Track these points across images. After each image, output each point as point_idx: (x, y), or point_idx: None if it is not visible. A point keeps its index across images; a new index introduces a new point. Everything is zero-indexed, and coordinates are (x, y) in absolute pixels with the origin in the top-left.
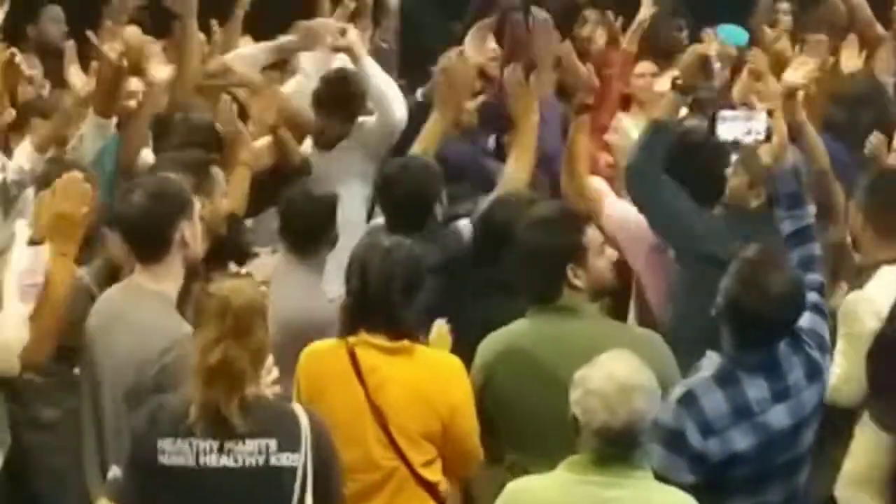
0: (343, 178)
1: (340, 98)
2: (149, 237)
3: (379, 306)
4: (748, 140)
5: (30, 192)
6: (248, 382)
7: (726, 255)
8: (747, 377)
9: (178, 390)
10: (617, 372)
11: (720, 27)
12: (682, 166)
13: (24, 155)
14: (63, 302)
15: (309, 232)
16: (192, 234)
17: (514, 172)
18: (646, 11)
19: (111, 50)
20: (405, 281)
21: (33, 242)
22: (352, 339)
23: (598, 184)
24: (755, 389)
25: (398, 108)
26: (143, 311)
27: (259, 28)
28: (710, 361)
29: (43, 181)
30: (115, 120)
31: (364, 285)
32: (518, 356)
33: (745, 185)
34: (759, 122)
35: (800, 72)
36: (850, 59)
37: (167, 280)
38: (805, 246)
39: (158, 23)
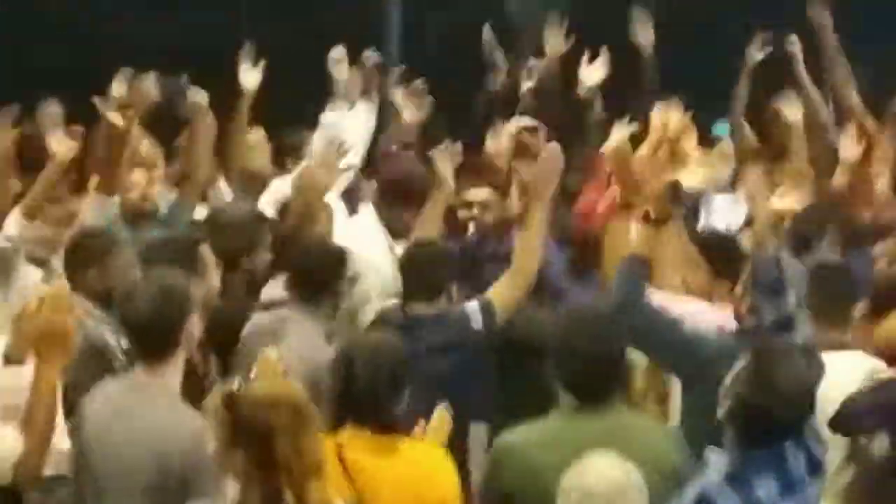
0: None
1: None
2: (159, 339)
3: (366, 401)
4: (730, 227)
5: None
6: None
7: None
8: (756, 476)
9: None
10: (611, 473)
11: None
12: None
13: (13, 221)
14: (53, 416)
15: (314, 283)
16: (196, 328)
17: (519, 266)
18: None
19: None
20: (392, 376)
21: (9, 361)
22: (339, 438)
23: None
24: (764, 488)
25: None
26: (155, 408)
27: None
28: (718, 459)
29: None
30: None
31: (351, 380)
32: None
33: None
34: (740, 209)
35: (787, 200)
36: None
37: (171, 375)
38: (786, 335)
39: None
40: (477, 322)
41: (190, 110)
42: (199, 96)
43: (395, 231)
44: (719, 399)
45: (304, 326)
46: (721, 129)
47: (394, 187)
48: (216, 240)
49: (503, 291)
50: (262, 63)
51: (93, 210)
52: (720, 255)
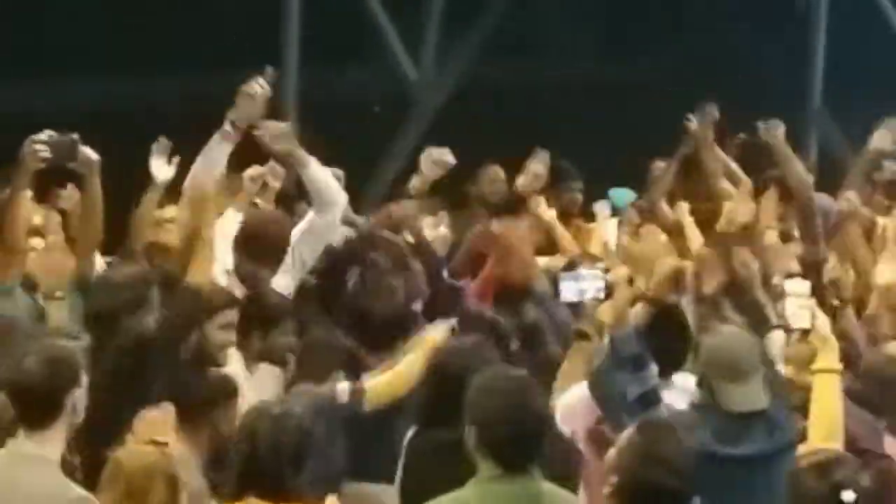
0: None
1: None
2: (41, 404)
3: (268, 473)
4: (587, 298)
5: None
6: None
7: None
8: None
9: None
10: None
11: (612, 190)
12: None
13: None
14: None
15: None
16: (81, 401)
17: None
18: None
19: None
20: (295, 449)
21: None
22: None
23: None
24: None
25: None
26: (33, 478)
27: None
28: None
29: None
30: None
31: (253, 451)
32: None
33: None
34: (597, 281)
35: None
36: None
37: (52, 444)
38: (651, 409)
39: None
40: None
41: (83, 166)
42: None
43: None
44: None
45: None
46: (619, 197)
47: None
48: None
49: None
50: (175, 159)
51: None
52: None
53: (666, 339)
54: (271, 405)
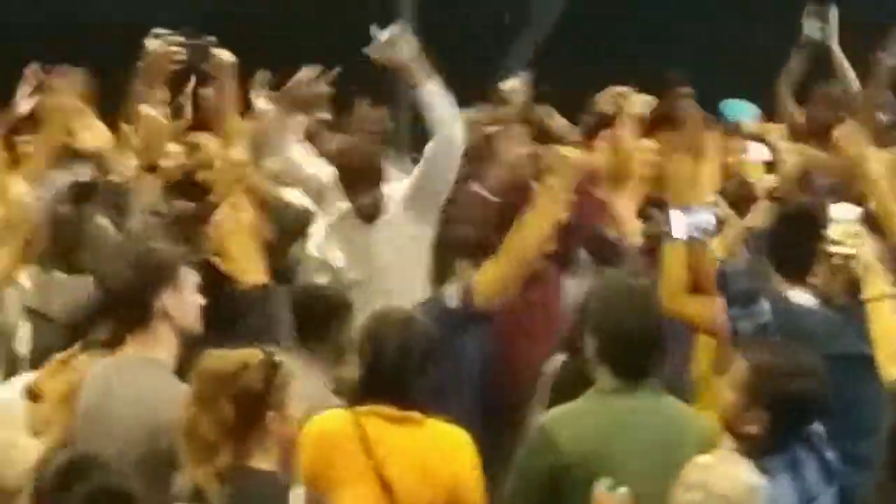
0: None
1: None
2: (129, 307)
3: (393, 377)
4: (699, 235)
5: None
6: (221, 453)
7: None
8: (771, 481)
9: None
10: (741, 475)
11: (724, 103)
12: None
13: None
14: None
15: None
16: (178, 306)
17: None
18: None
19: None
20: (421, 353)
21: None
22: (358, 410)
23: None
24: (785, 497)
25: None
26: (142, 381)
27: None
28: None
29: None
30: None
31: (379, 356)
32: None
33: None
34: (709, 216)
35: None
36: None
37: (158, 348)
38: None
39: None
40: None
41: (216, 68)
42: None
43: None
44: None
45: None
46: (736, 109)
47: None
48: None
49: (487, 272)
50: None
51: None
52: None
53: (792, 240)
54: (395, 310)
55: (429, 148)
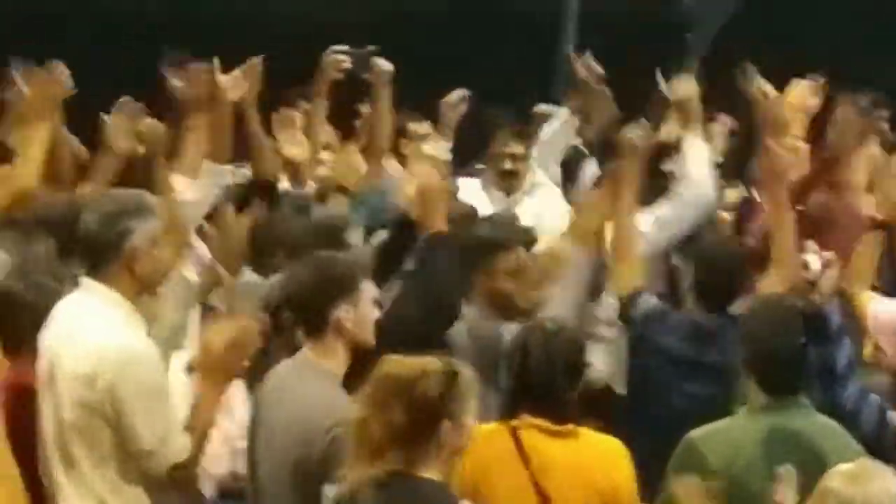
0: None
1: None
2: (309, 316)
3: (542, 390)
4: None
5: None
6: (388, 459)
7: None
8: None
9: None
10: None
11: None
12: None
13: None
14: (208, 431)
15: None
16: (354, 319)
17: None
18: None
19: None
20: (568, 364)
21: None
22: (514, 422)
23: None
24: None
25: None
26: (310, 387)
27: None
28: None
29: None
30: None
31: (526, 368)
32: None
33: None
34: None
35: None
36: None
37: (331, 359)
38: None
39: None
40: None
41: (376, 77)
42: (384, 64)
43: None
44: None
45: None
46: None
47: None
48: None
49: None
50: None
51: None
52: None
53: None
54: (544, 320)
55: (679, 200)
